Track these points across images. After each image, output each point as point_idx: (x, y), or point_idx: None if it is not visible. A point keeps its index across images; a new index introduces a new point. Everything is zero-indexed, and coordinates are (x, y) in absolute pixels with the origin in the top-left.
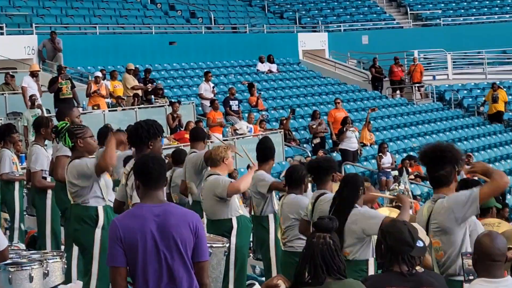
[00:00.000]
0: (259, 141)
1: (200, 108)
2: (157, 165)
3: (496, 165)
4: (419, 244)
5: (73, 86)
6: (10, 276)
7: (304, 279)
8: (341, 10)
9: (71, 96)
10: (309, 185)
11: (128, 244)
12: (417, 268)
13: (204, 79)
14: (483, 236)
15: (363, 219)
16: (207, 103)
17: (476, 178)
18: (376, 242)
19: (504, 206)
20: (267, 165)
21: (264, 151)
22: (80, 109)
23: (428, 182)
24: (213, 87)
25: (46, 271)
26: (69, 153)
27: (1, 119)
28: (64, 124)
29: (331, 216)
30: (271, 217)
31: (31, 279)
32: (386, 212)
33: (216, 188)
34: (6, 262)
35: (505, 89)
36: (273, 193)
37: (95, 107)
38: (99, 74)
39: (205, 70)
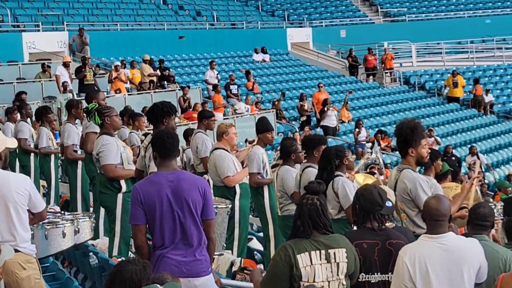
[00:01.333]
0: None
1: (205, 92)
2: (171, 139)
3: (454, 138)
4: (388, 204)
5: (94, 74)
6: (46, 233)
7: (298, 233)
8: (323, 8)
9: (93, 82)
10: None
11: (147, 206)
12: (388, 224)
13: (209, 67)
14: (430, 198)
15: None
16: (212, 88)
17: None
18: (352, 203)
19: (458, 172)
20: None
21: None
22: (105, 93)
23: (396, 152)
24: (217, 74)
25: (77, 229)
26: (97, 130)
27: (38, 102)
28: (94, 105)
29: (320, 181)
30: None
31: (64, 235)
32: (361, 178)
33: (217, 169)
34: (43, 221)
35: (461, 74)
36: (267, 163)
37: (117, 91)
38: (118, 63)
39: (210, 60)
